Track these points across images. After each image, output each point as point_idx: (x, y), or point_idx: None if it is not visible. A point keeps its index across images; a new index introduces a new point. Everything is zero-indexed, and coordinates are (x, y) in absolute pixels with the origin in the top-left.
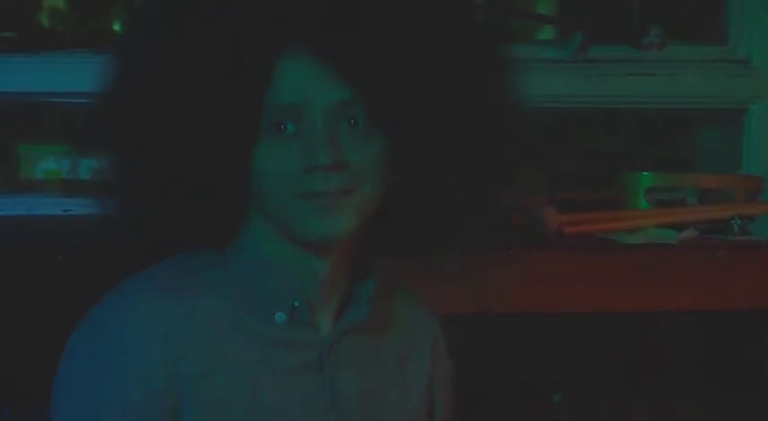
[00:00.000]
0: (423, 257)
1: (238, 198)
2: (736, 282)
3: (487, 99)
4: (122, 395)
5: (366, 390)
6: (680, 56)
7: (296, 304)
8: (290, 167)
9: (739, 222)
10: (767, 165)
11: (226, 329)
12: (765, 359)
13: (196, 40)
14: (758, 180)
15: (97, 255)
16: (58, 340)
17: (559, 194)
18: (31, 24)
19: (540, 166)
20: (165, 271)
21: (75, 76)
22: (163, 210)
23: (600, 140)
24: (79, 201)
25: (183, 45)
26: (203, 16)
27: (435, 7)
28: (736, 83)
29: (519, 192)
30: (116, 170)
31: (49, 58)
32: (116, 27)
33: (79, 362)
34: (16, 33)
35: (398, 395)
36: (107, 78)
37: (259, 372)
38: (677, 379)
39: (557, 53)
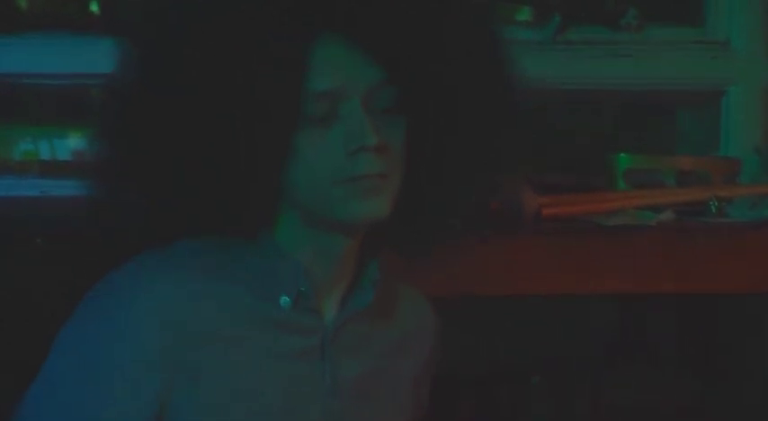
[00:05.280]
0: (422, 248)
1: (274, 188)
2: (713, 264)
3: (498, 82)
4: (117, 371)
5: (364, 377)
6: (658, 37)
7: (302, 289)
8: (331, 153)
9: (717, 204)
10: (745, 148)
11: (230, 313)
12: (742, 341)
13: (230, 28)
14: (736, 162)
15: (76, 237)
16: (37, 320)
17: (538, 177)
18: (8, 6)
19: (520, 149)
20: (172, 254)
21: (53, 57)
22: (196, 201)
23: (578, 122)
24: (57, 182)
25: (216, 33)
26: (237, 4)
27: None
28: (714, 65)
29: (501, 176)
30: (145, 158)
31: (27, 39)
32: (94, 9)
33: (77, 337)
34: None
35: (392, 384)
36: (135, 63)
37: (262, 357)
38: (655, 361)
39: (534, 35)
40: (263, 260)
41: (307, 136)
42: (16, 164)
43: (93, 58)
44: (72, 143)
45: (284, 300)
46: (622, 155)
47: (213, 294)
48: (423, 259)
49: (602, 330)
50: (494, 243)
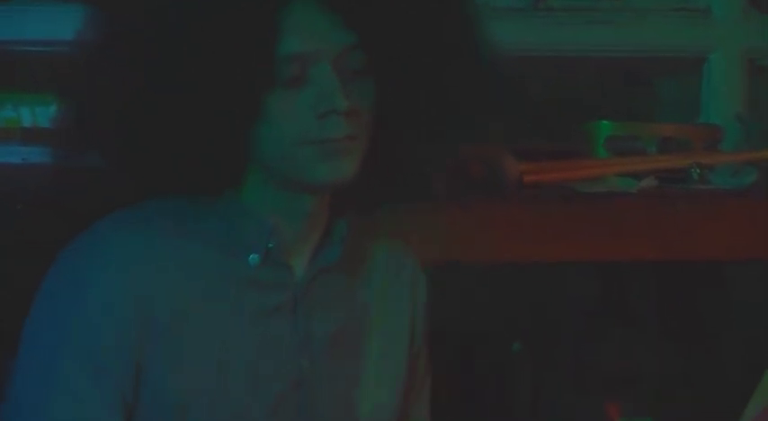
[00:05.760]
0: (387, 206)
1: (242, 148)
2: (695, 231)
3: (466, 46)
4: (89, 329)
5: (340, 330)
6: (639, 5)
7: (270, 246)
8: (300, 115)
9: (698, 171)
10: (726, 115)
11: (198, 271)
12: (724, 309)
13: None
14: (717, 129)
15: (56, 203)
16: (17, 287)
17: (519, 144)
18: None
19: (500, 115)
20: (141, 213)
21: (35, 24)
22: (164, 159)
23: (558, 90)
24: (38, 149)
25: None
26: None
27: None
28: (695, 32)
29: (480, 142)
30: (116, 120)
31: (8, 6)
32: None
33: (50, 296)
34: None
35: (375, 338)
36: (104, 25)
37: (231, 314)
38: (636, 329)
39: (515, 1)
40: (230, 219)
41: (277, 98)
42: None
43: (76, 26)
44: (54, 110)
45: (253, 257)
46: (603, 122)
47: (182, 253)
48: (400, 225)
49: (583, 297)
50: (475, 210)
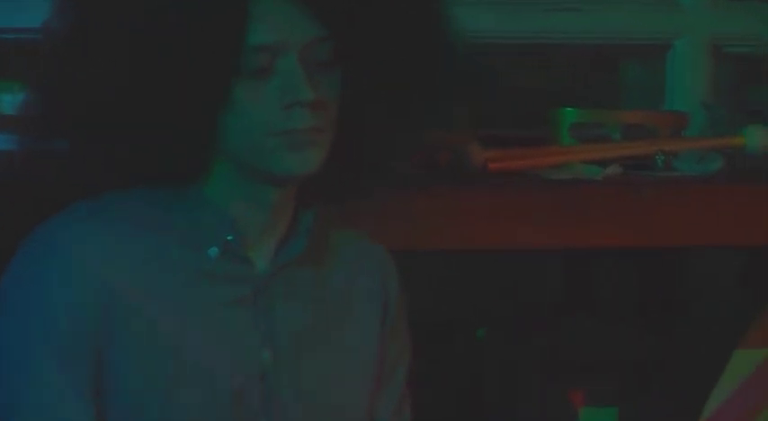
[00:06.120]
0: (354, 198)
1: (207, 138)
2: (660, 217)
3: (433, 35)
4: (51, 319)
5: (305, 326)
6: None
7: (229, 238)
8: (267, 106)
9: (663, 158)
10: (691, 102)
11: (158, 264)
12: (690, 295)
13: None
14: (682, 116)
15: (19, 191)
16: None
17: (484, 131)
18: None
19: (465, 103)
20: (101, 204)
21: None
22: (128, 148)
23: (524, 77)
24: (2, 137)
25: None
26: None
27: None
28: (660, 19)
29: (445, 129)
30: (82, 108)
31: None
32: None
33: (10, 287)
34: None
35: (343, 330)
36: (69, 10)
37: (190, 307)
38: (602, 316)
39: None
40: (191, 211)
41: (243, 88)
42: None
43: (43, 13)
44: (19, 98)
45: (212, 250)
46: (568, 109)
47: (141, 245)
48: (365, 213)
49: (548, 284)
50: (439, 197)
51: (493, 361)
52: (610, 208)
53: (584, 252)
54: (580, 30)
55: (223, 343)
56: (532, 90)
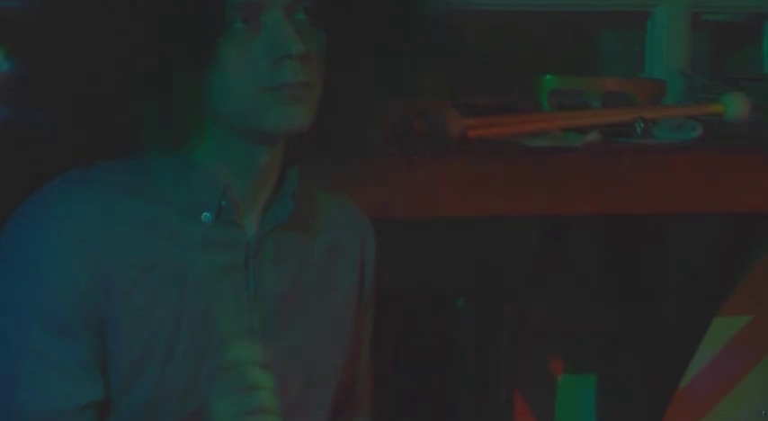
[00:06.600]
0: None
1: (196, 99)
2: (639, 185)
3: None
4: (47, 290)
5: (292, 289)
6: None
7: (223, 204)
8: (255, 62)
9: (642, 125)
10: (669, 69)
11: (151, 234)
12: (667, 263)
13: None
14: (661, 84)
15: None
16: None
17: (463, 98)
18: None
19: (444, 70)
20: (92, 173)
21: None
22: (118, 113)
23: (503, 43)
24: None
25: None
26: None
27: None
28: None
29: (424, 96)
30: (67, 74)
31: None
32: None
33: (3, 259)
34: None
35: (325, 291)
36: None
37: (185, 275)
38: (580, 284)
39: None
40: (182, 178)
41: (230, 46)
42: None
43: None
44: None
45: (205, 215)
46: (547, 76)
47: (135, 212)
48: (346, 181)
49: (527, 252)
50: (418, 165)
51: (472, 330)
52: (589, 175)
53: (563, 219)
54: None
55: (216, 308)
56: (511, 57)
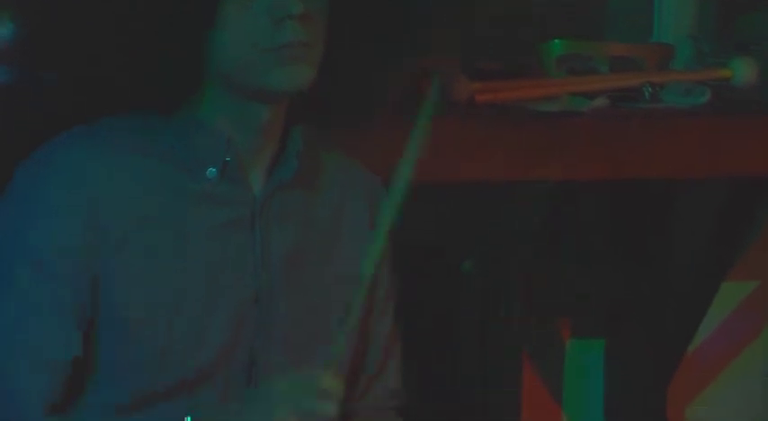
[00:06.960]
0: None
1: (198, 57)
2: (648, 150)
3: None
4: (41, 237)
5: (298, 246)
6: None
7: (227, 159)
8: (256, 22)
9: (650, 90)
10: (677, 34)
11: (153, 188)
12: (678, 227)
13: None
14: (668, 48)
15: (10, 120)
16: None
17: (471, 62)
18: None
19: (452, 34)
20: (98, 130)
21: None
22: (123, 70)
23: (510, 8)
24: None
25: None
26: None
27: None
28: None
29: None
30: (72, 34)
31: None
32: None
33: (4, 210)
34: None
35: (332, 249)
36: None
37: (187, 229)
38: (589, 248)
39: None
40: (187, 134)
41: (231, 5)
42: None
43: None
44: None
45: (210, 171)
46: (555, 41)
47: (138, 167)
48: (351, 143)
49: (535, 216)
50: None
51: (479, 293)
52: (597, 140)
53: (571, 184)
54: None
55: (219, 263)
56: (519, 21)
